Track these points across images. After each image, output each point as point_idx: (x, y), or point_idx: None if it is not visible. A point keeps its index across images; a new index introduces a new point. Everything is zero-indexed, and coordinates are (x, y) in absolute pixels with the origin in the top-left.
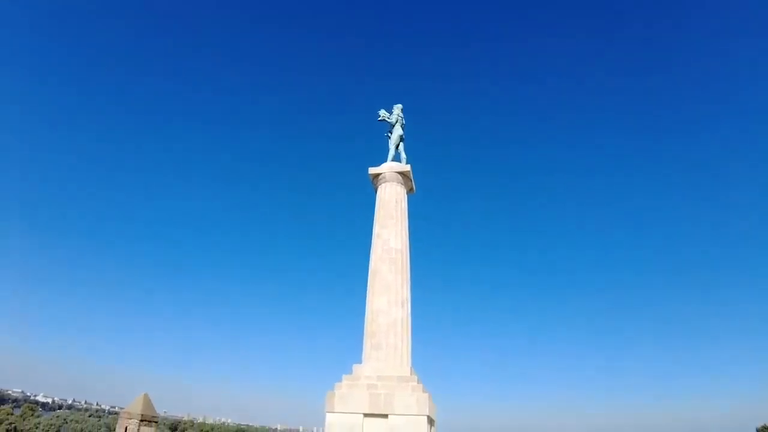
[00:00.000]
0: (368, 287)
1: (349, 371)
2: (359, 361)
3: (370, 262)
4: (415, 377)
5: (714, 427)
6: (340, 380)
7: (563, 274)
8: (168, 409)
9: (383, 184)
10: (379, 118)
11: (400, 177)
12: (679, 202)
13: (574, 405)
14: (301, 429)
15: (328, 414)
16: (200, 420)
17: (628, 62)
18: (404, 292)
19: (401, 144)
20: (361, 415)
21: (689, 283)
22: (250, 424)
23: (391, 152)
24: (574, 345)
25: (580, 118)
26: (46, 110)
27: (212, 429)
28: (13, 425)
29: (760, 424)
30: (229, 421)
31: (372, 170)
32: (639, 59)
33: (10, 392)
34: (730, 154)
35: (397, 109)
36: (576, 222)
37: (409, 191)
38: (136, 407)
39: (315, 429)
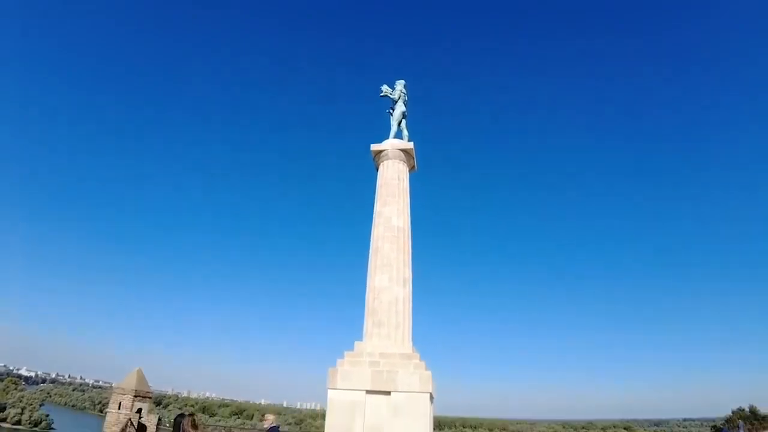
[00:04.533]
0: (369, 265)
1: (350, 348)
2: (358, 340)
3: (371, 240)
4: (417, 355)
5: (690, 409)
6: (341, 357)
7: (566, 253)
8: (152, 383)
9: (385, 162)
10: (382, 94)
11: (402, 154)
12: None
13: (564, 384)
14: (284, 403)
15: (330, 390)
16: (184, 395)
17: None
18: (406, 270)
19: (403, 121)
20: (364, 392)
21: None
22: (235, 399)
23: (393, 129)
24: (572, 328)
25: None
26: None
27: (196, 403)
28: None
29: (735, 407)
30: (213, 395)
31: (374, 147)
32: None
33: None
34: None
35: (400, 85)
36: (579, 197)
37: (411, 169)
38: (130, 383)
39: (299, 404)
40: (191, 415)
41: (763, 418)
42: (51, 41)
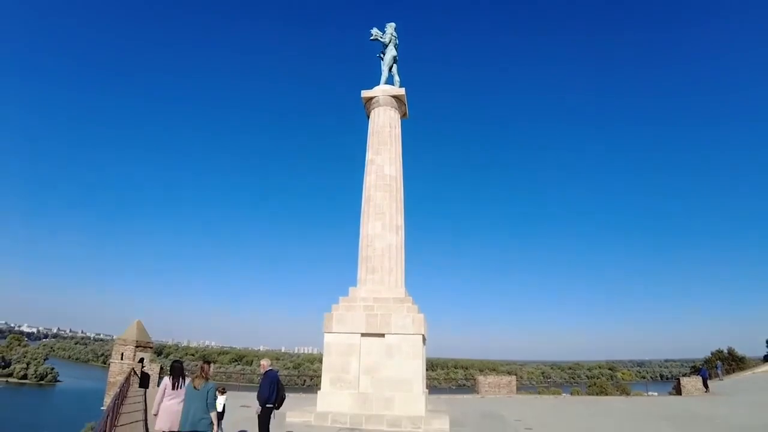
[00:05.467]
0: (362, 213)
1: (345, 294)
2: (353, 286)
3: (363, 188)
4: (410, 299)
5: (671, 350)
6: (337, 302)
7: (555, 204)
8: (152, 335)
9: (376, 109)
10: (372, 38)
11: (393, 101)
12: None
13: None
14: (282, 348)
15: (326, 334)
16: (184, 344)
17: None
18: (398, 218)
19: (394, 66)
20: (359, 335)
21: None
22: (234, 346)
23: (384, 74)
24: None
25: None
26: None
27: (196, 352)
28: (0, 355)
29: (714, 349)
30: (212, 344)
31: (364, 93)
32: None
33: None
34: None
35: (390, 27)
36: (571, 144)
37: (403, 116)
38: (131, 334)
39: (296, 349)
40: (207, 362)
41: (741, 359)
42: None
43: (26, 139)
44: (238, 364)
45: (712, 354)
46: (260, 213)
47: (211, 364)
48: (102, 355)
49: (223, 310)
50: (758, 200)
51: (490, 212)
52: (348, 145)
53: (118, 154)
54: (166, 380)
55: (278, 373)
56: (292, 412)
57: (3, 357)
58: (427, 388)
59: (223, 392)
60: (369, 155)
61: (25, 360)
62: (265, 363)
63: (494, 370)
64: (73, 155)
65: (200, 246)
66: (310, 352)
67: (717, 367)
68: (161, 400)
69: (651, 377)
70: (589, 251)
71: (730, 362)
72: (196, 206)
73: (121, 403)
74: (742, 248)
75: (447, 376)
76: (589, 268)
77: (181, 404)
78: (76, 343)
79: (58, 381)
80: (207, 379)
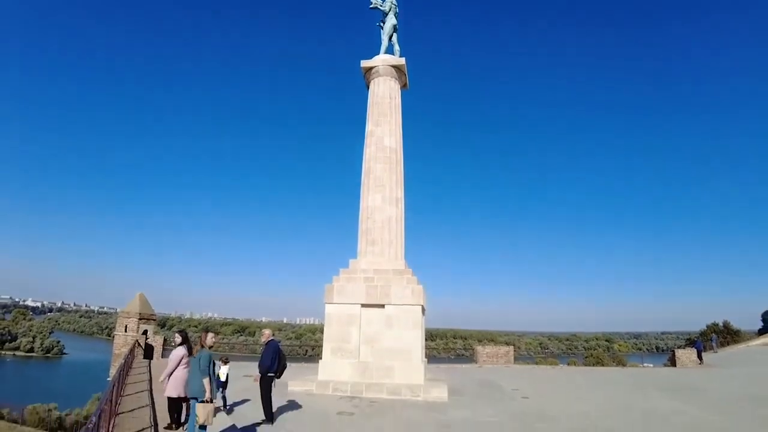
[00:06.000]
0: (362, 186)
1: (346, 266)
2: (353, 258)
3: (363, 160)
4: (410, 271)
5: (667, 323)
6: (337, 274)
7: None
8: (155, 307)
9: (376, 79)
10: (371, 5)
11: (393, 71)
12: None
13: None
14: (284, 320)
15: (327, 305)
16: (187, 316)
17: None
18: (398, 190)
19: (395, 35)
20: (359, 306)
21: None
22: (237, 317)
23: (384, 44)
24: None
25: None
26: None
27: (199, 324)
28: (6, 329)
29: (710, 322)
30: (215, 315)
31: (364, 63)
32: None
33: None
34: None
35: None
36: (572, 113)
37: (403, 86)
38: (134, 307)
39: (298, 320)
40: (207, 331)
41: (736, 332)
42: None
43: (25, 108)
44: (241, 335)
45: (707, 327)
46: (261, 185)
47: (210, 333)
48: (106, 327)
49: (225, 283)
50: (756, 176)
51: (490, 184)
52: (349, 117)
53: (118, 128)
54: (183, 350)
55: (280, 343)
56: (293, 381)
57: (9, 331)
58: (426, 357)
59: (226, 362)
60: (369, 127)
61: (31, 334)
62: (267, 333)
63: (492, 340)
64: (74, 127)
65: (202, 219)
66: (311, 322)
67: (712, 340)
68: (174, 369)
69: (647, 349)
70: (588, 226)
71: (725, 335)
72: (196, 179)
73: (127, 374)
74: (740, 224)
75: (446, 346)
76: (587, 241)
77: (187, 372)
78: (80, 317)
79: (64, 354)
80: (203, 347)
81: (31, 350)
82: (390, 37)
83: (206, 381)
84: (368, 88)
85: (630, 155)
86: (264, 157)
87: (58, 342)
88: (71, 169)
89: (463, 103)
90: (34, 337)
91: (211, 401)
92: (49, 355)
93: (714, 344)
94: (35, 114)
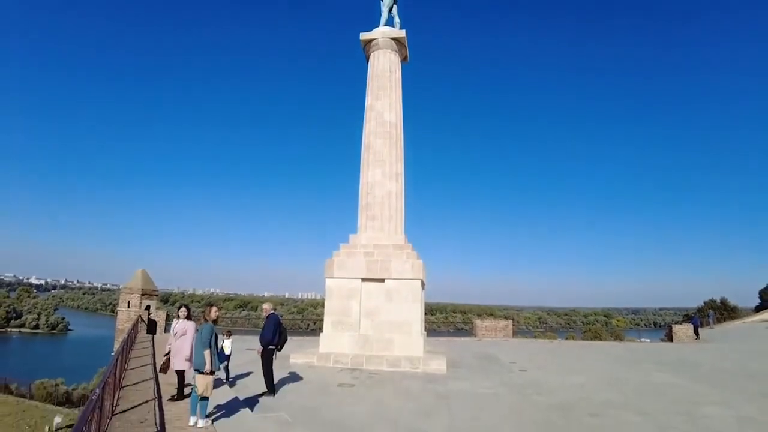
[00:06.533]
0: (362, 161)
1: (346, 241)
2: (353, 233)
3: (363, 135)
4: (409, 246)
5: (665, 299)
6: (338, 249)
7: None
8: (158, 283)
9: (376, 52)
10: None
11: (393, 44)
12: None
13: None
14: (286, 294)
15: (327, 279)
16: (190, 291)
17: None
18: (398, 165)
19: (395, 7)
20: (359, 280)
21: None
22: (239, 293)
23: (384, 16)
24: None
25: None
26: None
27: (201, 299)
28: (12, 306)
29: (707, 298)
30: (217, 291)
31: (364, 36)
32: None
33: (2, 277)
34: None
35: None
36: (571, 79)
37: (403, 60)
38: (136, 283)
39: (300, 294)
40: (210, 305)
41: (733, 309)
42: None
43: (26, 85)
44: (243, 310)
45: (705, 303)
46: (263, 161)
47: (213, 307)
48: (110, 304)
49: (228, 259)
50: (755, 153)
51: (490, 159)
52: (349, 91)
53: (121, 105)
54: (186, 323)
55: (281, 317)
56: (295, 354)
57: (14, 308)
58: (425, 331)
59: (229, 335)
60: (368, 101)
61: (36, 311)
62: (267, 307)
63: (492, 314)
64: (78, 104)
65: (204, 196)
66: (313, 297)
67: (709, 316)
68: (171, 341)
69: (645, 325)
70: (589, 203)
71: (722, 312)
72: (198, 155)
73: (130, 349)
74: (739, 203)
75: (446, 320)
76: (588, 218)
77: (190, 344)
78: (84, 294)
79: (69, 330)
80: (206, 320)
81: (37, 327)
82: (390, 9)
83: (207, 353)
84: (368, 61)
85: (629, 131)
86: (265, 133)
87: (63, 319)
88: (71, 149)
89: (463, 75)
90: (39, 314)
91: (212, 373)
92: (54, 331)
93: (711, 320)
94: (33, 100)
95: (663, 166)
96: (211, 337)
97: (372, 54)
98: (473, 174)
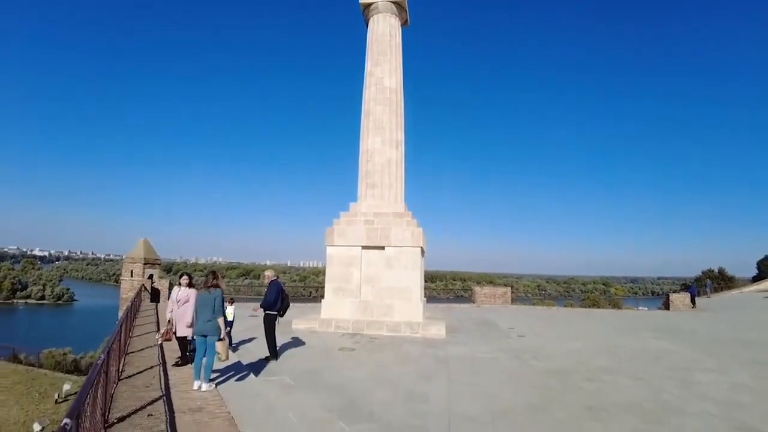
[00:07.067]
0: (362, 128)
1: (346, 209)
2: (353, 201)
3: (362, 102)
4: (409, 214)
5: (664, 268)
6: (338, 217)
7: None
8: (161, 253)
9: (375, 16)
10: None
11: (393, 7)
12: None
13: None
14: (288, 263)
15: (328, 247)
16: (192, 261)
17: None
18: (398, 133)
19: None
20: (360, 247)
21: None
22: (241, 261)
23: None
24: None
25: None
26: None
27: (204, 268)
28: (17, 278)
29: (706, 268)
30: (220, 260)
31: None
32: None
33: (6, 250)
34: None
35: None
36: (573, 50)
37: (404, 24)
38: (139, 252)
39: (301, 263)
40: (215, 272)
41: (730, 278)
42: None
43: (28, 50)
44: (246, 279)
45: (703, 273)
46: (264, 130)
47: (218, 273)
48: (113, 274)
49: (230, 228)
50: (757, 121)
51: (490, 127)
52: (350, 57)
53: (124, 71)
54: (188, 291)
55: (283, 284)
56: (297, 320)
57: (20, 280)
58: (425, 297)
59: (231, 303)
60: (368, 66)
61: (41, 282)
62: (269, 274)
63: (491, 282)
64: (80, 70)
65: (206, 165)
66: (315, 265)
67: (706, 286)
68: (173, 308)
69: (643, 293)
70: (589, 171)
71: (720, 281)
72: (199, 124)
73: (134, 317)
74: (739, 173)
75: (445, 288)
76: (588, 187)
77: (192, 311)
78: (87, 265)
79: (75, 300)
80: (216, 287)
81: (42, 298)
82: None
83: (221, 320)
84: (367, 25)
85: (629, 98)
86: (266, 101)
87: (68, 289)
88: (71, 118)
89: (464, 40)
90: (44, 285)
91: (221, 339)
92: (60, 302)
93: (708, 290)
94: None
95: (663, 134)
96: (223, 304)
97: (371, 18)
98: (474, 144)
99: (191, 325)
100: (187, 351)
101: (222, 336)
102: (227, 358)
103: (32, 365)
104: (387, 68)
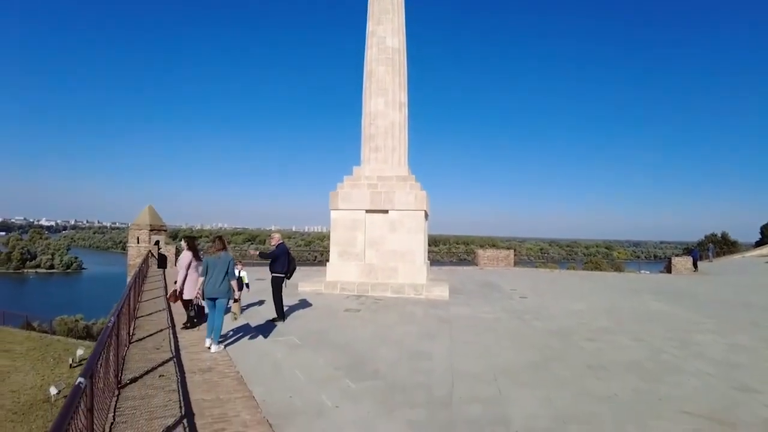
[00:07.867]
0: (364, 90)
1: (350, 173)
2: (356, 165)
3: (364, 63)
4: (413, 177)
5: (667, 233)
6: (342, 181)
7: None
8: (166, 220)
9: None
10: None
11: None
12: None
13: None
14: (293, 228)
15: (332, 211)
16: (198, 227)
17: None
18: (402, 94)
19: None
20: (363, 211)
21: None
22: (247, 227)
23: None
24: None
25: None
26: None
27: (210, 234)
28: (25, 248)
29: (709, 232)
30: (225, 226)
31: None
32: None
33: (13, 221)
34: None
35: None
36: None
37: None
38: (144, 219)
39: (306, 227)
40: (221, 237)
41: (733, 243)
42: None
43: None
44: (252, 244)
45: (705, 237)
46: (267, 93)
47: (224, 238)
48: (120, 242)
49: (235, 194)
50: (760, 86)
51: (494, 89)
52: (351, 18)
53: (128, 42)
54: (190, 255)
55: (289, 248)
56: (303, 282)
57: (28, 250)
58: (428, 260)
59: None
60: (370, 26)
61: (50, 251)
62: (276, 237)
63: (494, 245)
64: (85, 36)
65: (211, 132)
66: (319, 230)
67: (708, 250)
68: (186, 273)
69: (645, 257)
70: (592, 135)
71: (722, 246)
72: (204, 90)
73: (143, 282)
74: (742, 138)
75: (449, 251)
76: (591, 151)
77: (201, 274)
78: (94, 233)
79: (83, 269)
80: (225, 249)
81: (52, 267)
82: None
83: (234, 283)
84: None
85: (633, 61)
86: (267, 67)
87: (77, 258)
88: (75, 88)
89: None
90: (53, 254)
91: (236, 300)
92: (69, 270)
93: (710, 254)
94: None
95: (667, 97)
96: (231, 266)
97: None
98: (476, 108)
99: (193, 288)
100: (188, 312)
101: (237, 297)
102: (238, 317)
103: (45, 332)
104: (389, 27)
